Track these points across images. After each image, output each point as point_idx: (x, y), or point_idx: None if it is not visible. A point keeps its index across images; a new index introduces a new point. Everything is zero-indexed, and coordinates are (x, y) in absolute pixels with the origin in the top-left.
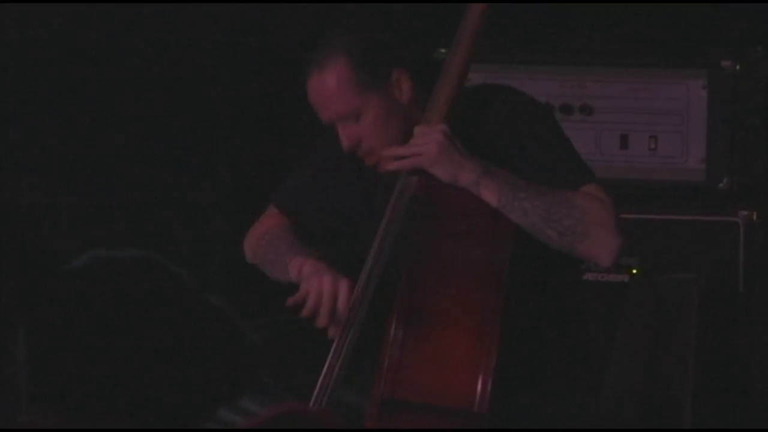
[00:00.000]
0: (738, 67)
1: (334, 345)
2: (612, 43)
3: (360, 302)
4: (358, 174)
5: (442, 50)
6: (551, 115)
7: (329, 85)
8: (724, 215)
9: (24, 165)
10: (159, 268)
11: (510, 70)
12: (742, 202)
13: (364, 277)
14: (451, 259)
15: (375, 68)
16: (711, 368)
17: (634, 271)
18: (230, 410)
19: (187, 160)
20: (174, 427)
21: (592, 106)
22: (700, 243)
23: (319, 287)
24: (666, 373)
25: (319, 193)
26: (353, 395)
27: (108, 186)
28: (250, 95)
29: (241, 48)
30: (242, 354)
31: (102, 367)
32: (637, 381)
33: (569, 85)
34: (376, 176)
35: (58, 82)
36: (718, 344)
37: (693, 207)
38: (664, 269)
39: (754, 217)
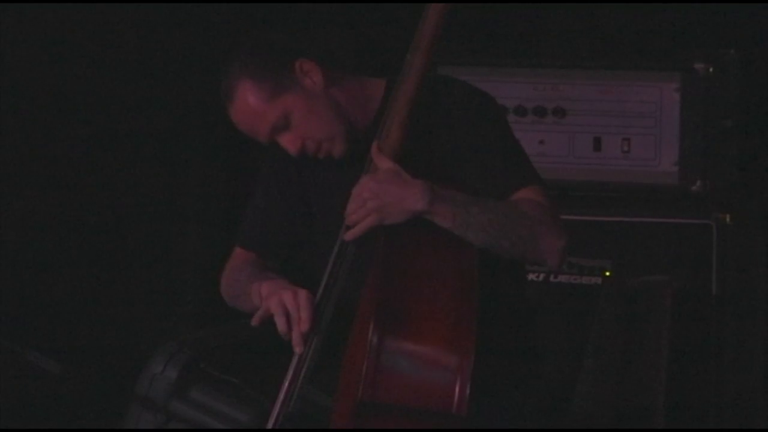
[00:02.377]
0: (711, 69)
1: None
2: (585, 45)
3: (322, 310)
4: (298, 179)
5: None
6: (501, 116)
7: (246, 109)
8: (697, 217)
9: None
10: None
11: (483, 73)
12: (715, 205)
13: (322, 285)
14: (423, 264)
15: (277, 71)
16: (684, 370)
17: (608, 273)
18: (182, 402)
19: (162, 164)
20: None
21: (565, 108)
22: (673, 245)
23: (281, 303)
24: (639, 374)
25: (273, 216)
26: (320, 395)
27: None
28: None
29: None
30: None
31: None
32: (610, 382)
33: (543, 87)
34: (313, 174)
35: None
36: (691, 346)
37: (666, 209)
38: (638, 271)
39: (727, 220)
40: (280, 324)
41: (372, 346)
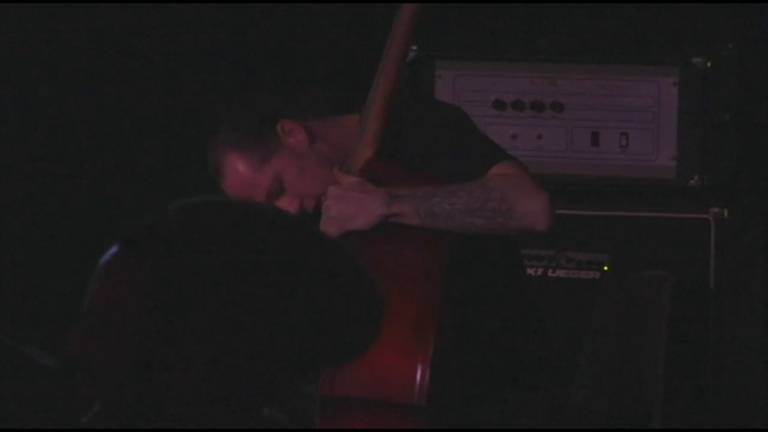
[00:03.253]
0: (709, 64)
1: None
2: (583, 40)
3: None
4: None
5: (411, 48)
6: (467, 116)
7: (238, 182)
8: (695, 212)
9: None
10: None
11: (481, 67)
12: (713, 199)
13: None
14: (383, 259)
15: (261, 137)
16: (682, 365)
17: (605, 268)
18: None
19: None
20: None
21: (563, 103)
22: (671, 240)
23: None
24: (637, 370)
25: None
26: (313, 387)
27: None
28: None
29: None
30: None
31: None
32: (607, 378)
33: (540, 82)
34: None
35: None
36: (689, 341)
37: (664, 204)
38: (635, 266)
39: (725, 214)
40: None
41: None
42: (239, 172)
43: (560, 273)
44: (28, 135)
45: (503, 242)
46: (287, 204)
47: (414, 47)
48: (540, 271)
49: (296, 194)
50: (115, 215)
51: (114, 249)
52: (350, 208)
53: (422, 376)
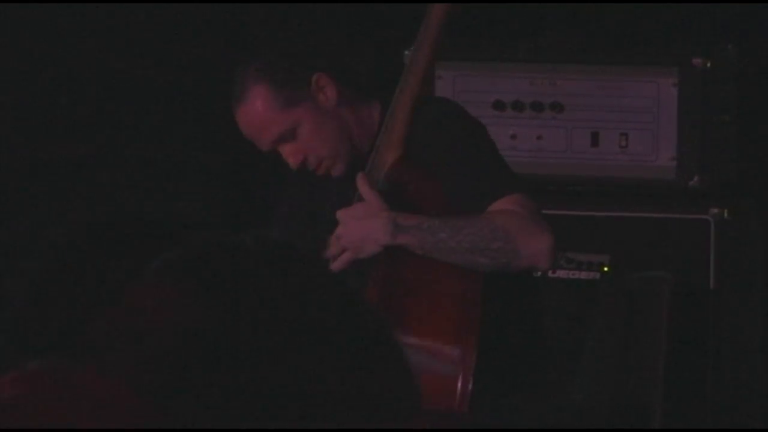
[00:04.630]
0: (709, 64)
1: None
2: (583, 40)
3: None
4: (309, 194)
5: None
6: (477, 129)
7: (257, 113)
8: (694, 213)
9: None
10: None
11: (480, 68)
12: (712, 200)
13: None
14: (425, 264)
15: (294, 82)
16: (682, 366)
17: (605, 269)
18: None
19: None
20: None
21: (562, 103)
22: (670, 241)
23: None
24: (637, 370)
25: (295, 221)
26: None
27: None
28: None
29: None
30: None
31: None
32: (607, 379)
33: (540, 82)
34: (325, 187)
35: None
36: (689, 342)
37: (664, 205)
38: (635, 267)
39: (725, 215)
40: None
41: None
42: (261, 105)
43: (560, 273)
44: (28, 137)
45: None
46: (291, 154)
47: (413, 48)
48: (540, 271)
49: (304, 148)
50: (116, 213)
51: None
52: (355, 240)
53: (464, 383)
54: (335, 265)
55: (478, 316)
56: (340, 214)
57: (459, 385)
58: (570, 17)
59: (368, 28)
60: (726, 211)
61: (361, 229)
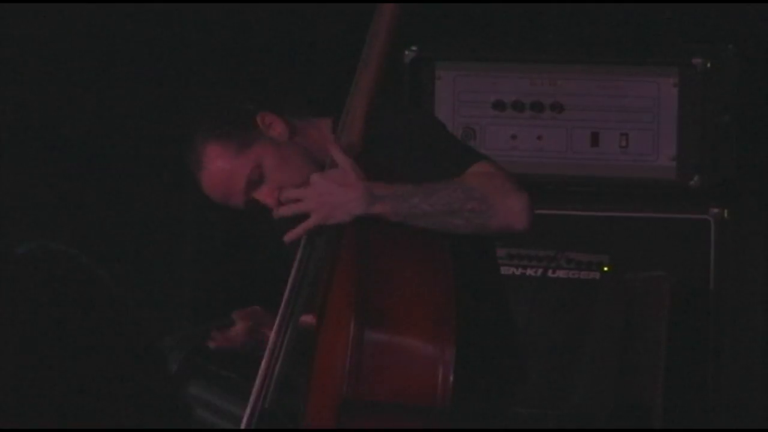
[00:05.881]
0: (709, 64)
1: (269, 350)
2: (583, 40)
3: (287, 316)
4: (270, 228)
5: (411, 49)
6: (439, 121)
7: (217, 170)
8: (695, 213)
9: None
10: (82, 266)
11: (480, 68)
12: (712, 200)
13: (285, 298)
14: (396, 258)
15: (241, 128)
16: (682, 366)
17: (606, 269)
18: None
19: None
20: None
21: (562, 103)
22: (671, 240)
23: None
24: (637, 370)
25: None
26: (293, 399)
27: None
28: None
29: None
30: (151, 373)
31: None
32: (608, 378)
33: (540, 82)
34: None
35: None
36: (689, 341)
37: (664, 204)
38: (635, 267)
39: (725, 215)
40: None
41: (354, 343)
42: (219, 161)
43: (560, 273)
44: (29, 140)
45: (479, 241)
46: (266, 195)
47: (414, 48)
48: (540, 271)
49: (276, 183)
50: (116, 213)
51: None
52: (328, 202)
53: (444, 379)
54: (294, 232)
55: (454, 308)
56: (314, 177)
57: (440, 379)
58: (570, 17)
59: (366, 28)
60: (726, 211)
61: (333, 195)
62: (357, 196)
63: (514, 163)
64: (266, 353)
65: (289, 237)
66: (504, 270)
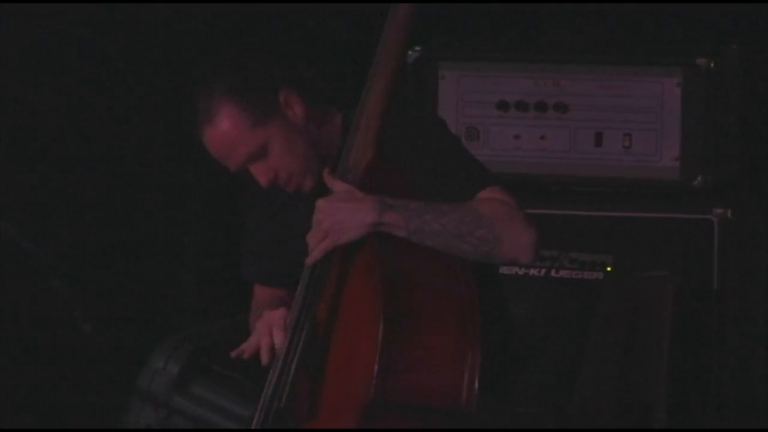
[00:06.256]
0: (712, 65)
1: (281, 360)
2: (587, 41)
3: (297, 330)
4: (277, 209)
5: (414, 49)
6: (453, 134)
7: (226, 133)
8: (698, 213)
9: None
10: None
11: (484, 68)
12: (716, 200)
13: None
14: (419, 265)
15: (262, 99)
16: (685, 366)
17: (609, 269)
18: (183, 397)
19: (162, 171)
20: None
21: (566, 103)
22: (674, 241)
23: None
24: (640, 370)
25: (266, 246)
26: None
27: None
28: None
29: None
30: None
31: None
32: (611, 378)
33: (544, 82)
34: (285, 205)
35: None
36: (692, 342)
37: (667, 205)
38: (639, 267)
39: (729, 215)
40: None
41: (383, 344)
42: (231, 125)
43: (564, 273)
44: (30, 141)
45: None
46: (261, 172)
47: (417, 48)
48: (543, 271)
49: (275, 165)
50: (117, 213)
51: None
52: (341, 219)
53: (470, 382)
54: (313, 255)
55: (478, 308)
56: (319, 203)
57: (465, 383)
58: (574, 18)
59: (370, 28)
60: (730, 211)
61: (343, 210)
62: (367, 206)
63: (517, 163)
64: (281, 353)
65: (310, 261)
66: (507, 269)
